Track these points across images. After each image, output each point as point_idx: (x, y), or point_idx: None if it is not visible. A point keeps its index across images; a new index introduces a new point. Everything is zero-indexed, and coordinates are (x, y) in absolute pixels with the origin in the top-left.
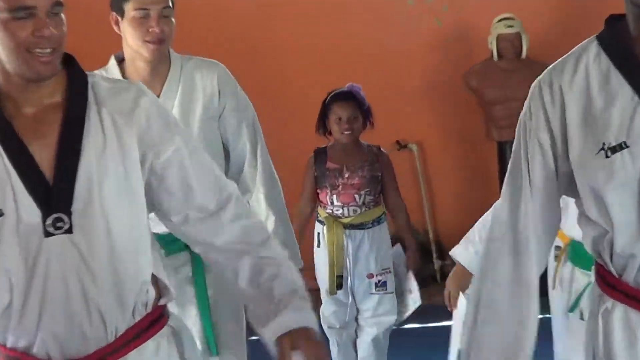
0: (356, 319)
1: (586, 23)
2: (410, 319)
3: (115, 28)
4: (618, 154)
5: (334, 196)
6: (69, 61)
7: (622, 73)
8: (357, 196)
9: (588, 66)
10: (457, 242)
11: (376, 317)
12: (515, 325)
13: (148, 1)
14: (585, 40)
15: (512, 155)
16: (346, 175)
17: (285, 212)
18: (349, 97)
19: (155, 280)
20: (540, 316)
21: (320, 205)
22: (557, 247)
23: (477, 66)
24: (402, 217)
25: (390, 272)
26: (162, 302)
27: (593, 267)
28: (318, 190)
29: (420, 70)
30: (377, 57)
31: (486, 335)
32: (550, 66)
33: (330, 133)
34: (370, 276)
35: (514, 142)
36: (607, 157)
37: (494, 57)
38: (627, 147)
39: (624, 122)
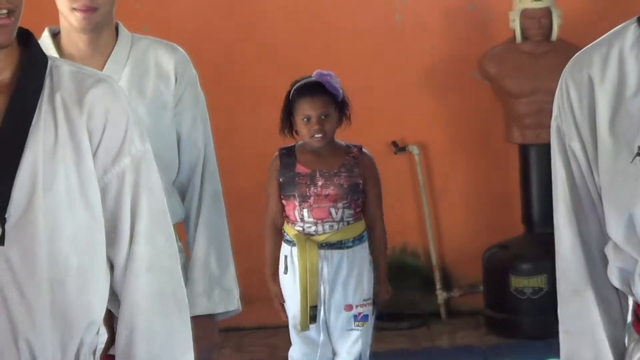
0: None
1: None
2: None
3: None
4: None
5: (305, 210)
6: (26, 38)
7: None
8: (333, 210)
9: (623, 55)
10: (466, 269)
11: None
12: None
13: None
14: (621, 25)
15: (552, 172)
16: (319, 184)
17: (226, 247)
18: (317, 89)
19: (110, 320)
20: None
21: (287, 222)
22: None
23: (496, 49)
24: (377, 237)
25: (371, 303)
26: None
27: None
28: (284, 201)
29: (424, 55)
30: (369, 40)
31: None
32: (576, 55)
33: (297, 132)
34: (349, 308)
35: (552, 154)
36: None
37: (517, 39)
38: None
39: None
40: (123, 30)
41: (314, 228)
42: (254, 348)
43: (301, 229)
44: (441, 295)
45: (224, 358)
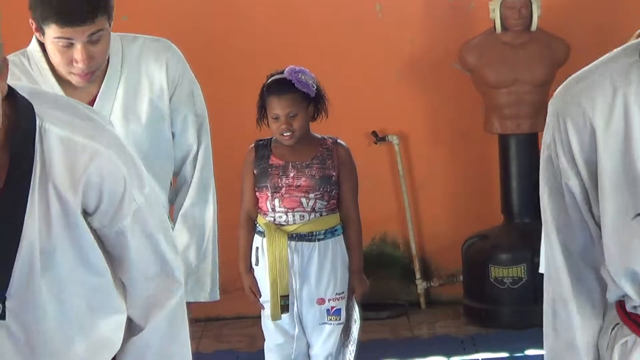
0: (308, 356)
1: None
2: (389, 354)
3: (36, 35)
4: None
5: (276, 200)
6: (10, 95)
7: None
8: (304, 200)
9: (628, 103)
10: (446, 259)
11: (324, 355)
12: None
13: (69, 31)
14: (620, 53)
15: (541, 192)
16: (291, 175)
17: (208, 239)
18: (286, 88)
19: None
20: None
21: (260, 213)
22: None
23: (475, 40)
24: (352, 231)
25: (344, 297)
26: None
27: None
28: (257, 193)
29: (404, 45)
30: (350, 31)
31: None
32: (571, 88)
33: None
34: (321, 301)
35: (540, 175)
36: None
37: (496, 29)
38: None
39: None
40: (113, 38)
41: (284, 218)
42: (233, 338)
43: (272, 219)
44: (421, 285)
45: (203, 347)
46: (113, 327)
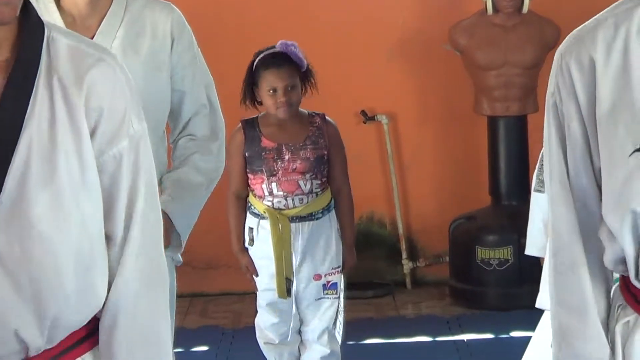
0: (299, 333)
1: None
2: (374, 333)
3: None
4: None
5: (274, 184)
6: (23, 6)
7: None
8: (302, 182)
9: (629, 40)
10: (432, 239)
11: (322, 329)
12: None
13: None
14: (623, 1)
15: (545, 145)
16: (286, 158)
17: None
18: (283, 60)
19: None
20: None
21: (253, 195)
22: None
23: (466, 21)
24: (345, 205)
25: (340, 271)
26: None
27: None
28: (250, 176)
29: (395, 25)
30: (342, 10)
31: None
32: (576, 33)
33: (260, 103)
34: (318, 277)
35: (545, 130)
36: None
37: (488, 10)
38: None
39: None
40: None
41: (283, 202)
42: (218, 314)
43: (270, 203)
44: (407, 265)
45: (188, 323)
46: (100, 275)
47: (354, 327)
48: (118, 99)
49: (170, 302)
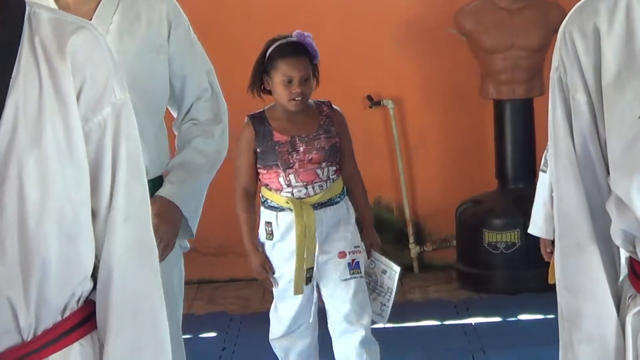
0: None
1: None
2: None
3: None
4: None
5: (291, 176)
6: None
7: None
8: (319, 171)
9: (631, 6)
10: (439, 223)
11: (357, 311)
12: None
13: None
14: None
15: (550, 125)
16: (301, 150)
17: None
18: (301, 51)
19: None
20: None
21: (268, 189)
22: None
23: (472, 5)
24: (359, 189)
25: (361, 251)
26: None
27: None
28: (263, 171)
29: (400, 10)
30: None
31: None
32: (578, 5)
33: (266, 92)
34: (342, 255)
35: (550, 107)
36: None
37: None
38: None
39: None
40: None
41: (304, 191)
42: (225, 300)
43: (290, 194)
44: (414, 249)
45: (196, 309)
46: (84, 244)
47: None
48: (100, 65)
49: (178, 288)
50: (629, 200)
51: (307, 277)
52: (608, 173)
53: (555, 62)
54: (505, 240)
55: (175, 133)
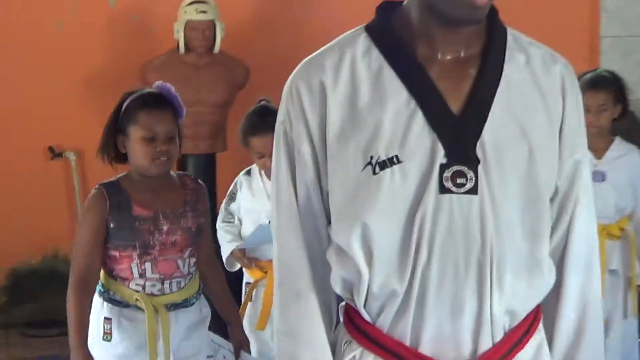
0: None
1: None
2: None
3: None
4: (388, 170)
5: (147, 264)
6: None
7: (397, 73)
8: (180, 262)
9: (355, 64)
10: None
11: None
12: None
13: None
14: (350, 32)
15: (273, 175)
16: (164, 229)
17: None
18: (164, 104)
19: None
20: None
21: (113, 278)
22: None
23: (159, 59)
24: (220, 279)
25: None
26: None
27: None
28: (113, 253)
29: (87, 62)
30: (29, 43)
31: None
32: (305, 60)
33: (119, 158)
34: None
35: (273, 158)
36: (374, 173)
37: (180, 49)
38: (399, 162)
39: (397, 132)
40: None
41: (158, 287)
42: None
43: (141, 287)
44: None
45: None
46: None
47: None
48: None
49: None
50: (349, 249)
51: None
52: (329, 223)
53: (280, 116)
54: None
55: None
